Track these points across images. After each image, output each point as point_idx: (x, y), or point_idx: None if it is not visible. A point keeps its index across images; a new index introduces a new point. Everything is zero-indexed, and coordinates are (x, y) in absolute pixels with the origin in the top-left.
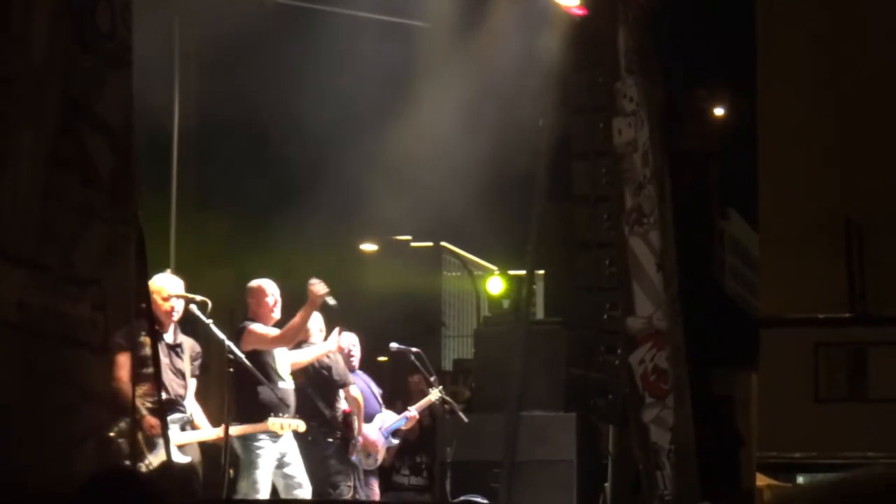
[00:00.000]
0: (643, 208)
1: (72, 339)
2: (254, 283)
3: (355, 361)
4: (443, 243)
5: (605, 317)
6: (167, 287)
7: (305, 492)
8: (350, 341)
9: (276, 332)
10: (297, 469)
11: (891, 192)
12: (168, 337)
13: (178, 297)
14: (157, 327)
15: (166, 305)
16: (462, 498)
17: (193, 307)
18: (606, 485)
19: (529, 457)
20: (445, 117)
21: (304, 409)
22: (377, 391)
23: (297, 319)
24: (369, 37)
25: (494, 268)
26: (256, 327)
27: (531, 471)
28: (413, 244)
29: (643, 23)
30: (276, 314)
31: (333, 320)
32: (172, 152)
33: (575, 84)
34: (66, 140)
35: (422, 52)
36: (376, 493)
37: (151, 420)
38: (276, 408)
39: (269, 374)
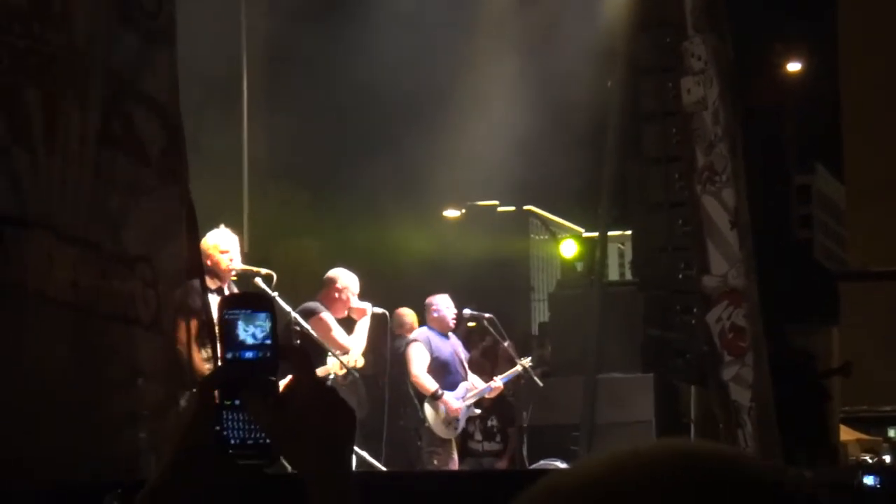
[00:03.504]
0: (715, 167)
1: (123, 316)
2: (330, 273)
3: (450, 323)
4: (528, 207)
5: (680, 276)
6: (222, 242)
7: None
8: (443, 303)
9: (341, 336)
10: None
11: None
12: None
13: (243, 270)
14: (218, 284)
15: (224, 260)
16: (542, 462)
17: (259, 280)
18: None
19: (608, 419)
20: (517, 81)
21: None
22: (464, 356)
23: (361, 342)
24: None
25: (581, 230)
26: (327, 318)
27: (610, 433)
28: (499, 209)
29: None
30: (354, 303)
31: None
32: (243, 122)
33: (642, 44)
34: (114, 118)
35: (491, 17)
36: (455, 460)
37: None
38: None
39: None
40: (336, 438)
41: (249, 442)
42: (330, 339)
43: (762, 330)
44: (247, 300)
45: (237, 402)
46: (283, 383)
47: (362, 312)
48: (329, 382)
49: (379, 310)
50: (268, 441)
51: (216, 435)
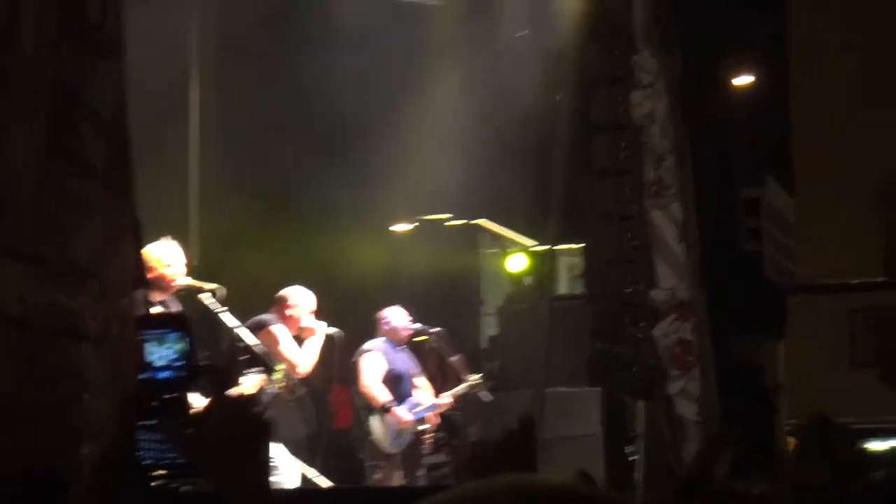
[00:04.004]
0: (664, 181)
1: (72, 332)
2: (282, 291)
3: (402, 335)
4: (478, 221)
5: (629, 290)
6: (165, 255)
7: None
8: (394, 316)
9: (288, 350)
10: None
11: None
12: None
13: (188, 286)
14: (162, 297)
15: (167, 273)
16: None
17: (205, 295)
18: (635, 459)
19: (555, 433)
20: (464, 94)
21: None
22: (415, 371)
23: (310, 357)
24: (386, 17)
25: (531, 243)
26: (276, 330)
27: (557, 447)
28: (449, 223)
29: None
30: (306, 322)
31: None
32: (192, 135)
33: (591, 57)
34: (60, 131)
35: (439, 31)
36: (399, 475)
37: None
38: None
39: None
40: (252, 454)
41: (164, 462)
42: (277, 353)
43: (710, 343)
44: (160, 321)
45: (152, 422)
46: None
47: (311, 331)
48: (271, 397)
49: (332, 329)
50: (182, 461)
51: (132, 456)
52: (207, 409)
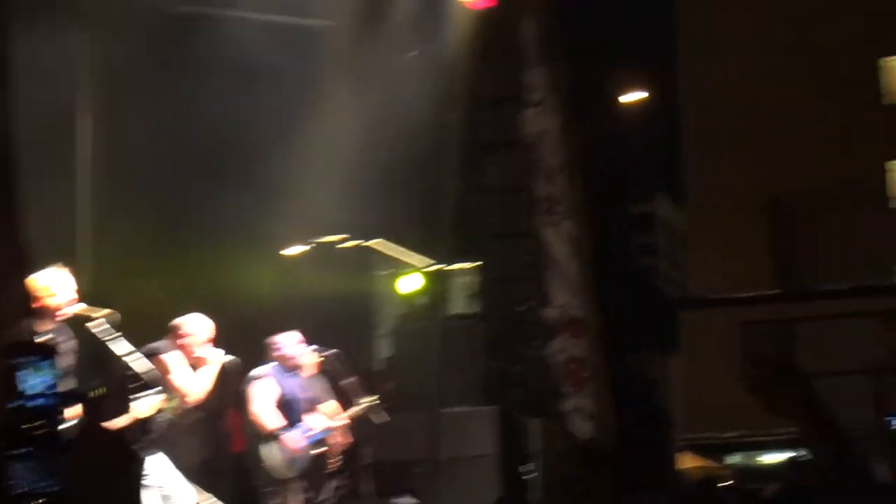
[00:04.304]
0: (555, 198)
1: None
2: (176, 320)
3: (294, 361)
4: (372, 242)
5: (522, 308)
6: (52, 284)
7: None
8: (286, 341)
9: (179, 379)
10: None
11: (815, 168)
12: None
13: (78, 314)
14: (49, 326)
15: (54, 302)
16: (392, 500)
17: (94, 323)
18: (531, 477)
19: (451, 453)
20: (356, 115)
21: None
22: (310, 394)
23: (202, 386)
24: (274, 39)
25: (424, 263)
26: (167, 359)
27: (453, 468)
28: (342, 245)
29: (551, 12)
30: (200, 351)
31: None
32: (80, 163)
33: (482, 75)
34: None
35: (329, 52)
36: (298, 500)
37: None
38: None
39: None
40: (124, 480)
41: (38, 490)
42: (167, 382)
43: (604, 360)
44: (29, 349)
45: (25, 450)
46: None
47: (202, 361)
48: (165, 423)
49: (229, 357)
50: (56, 488)
51: (4, 485)
52: (80, 436)
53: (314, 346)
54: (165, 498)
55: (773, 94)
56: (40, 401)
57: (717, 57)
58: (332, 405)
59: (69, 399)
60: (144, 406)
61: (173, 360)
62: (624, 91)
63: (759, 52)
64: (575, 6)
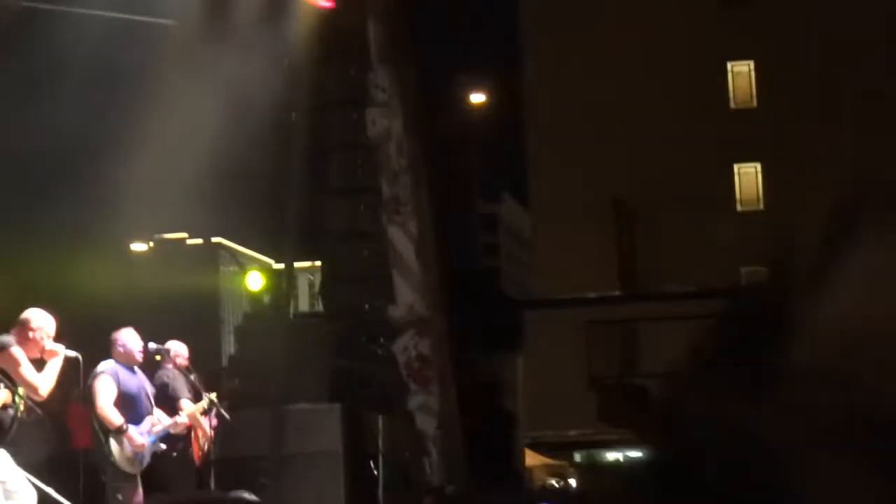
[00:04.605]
0: (400, 197)
1: None
2: (25, 313)
3: (137, 357)
4: (218, 239)
5: (367, 307)
6: None
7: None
8: (127, 337)
9: (29, 373)
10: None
11: (658, 172)
12: None
13: None
14: None
15: None
16: (231, 495)
17: None
18: (376, 475)
19: (296, 450)
20: (200, 116)
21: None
22: (150, 391)
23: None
24: (119, 36)
25: (271, 261)
26: (17, 353)
27: (296, 464)
28: (188, 242)
29: (394, 13)
30: (48, 345)
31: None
32: None
33: (325, 77)
34: None
35: (175, 49)
36: (140, 495)
37: None
38: None
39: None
40: None
41: None
42: (17, 375)
43: (449, 359)
44: None
45: None
46: None
47: (53, 354)
48: (11, 418)
49: (72, 353)
50: None
51: None
52: None
53: (154, 343)
54: (7, 493)
55: (619, 96)
56: None
57: (561, 58)
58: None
59: None
60: None
61: (21, 355)
62: (470, 92)
63: (606, 54)
64: (418, 9)
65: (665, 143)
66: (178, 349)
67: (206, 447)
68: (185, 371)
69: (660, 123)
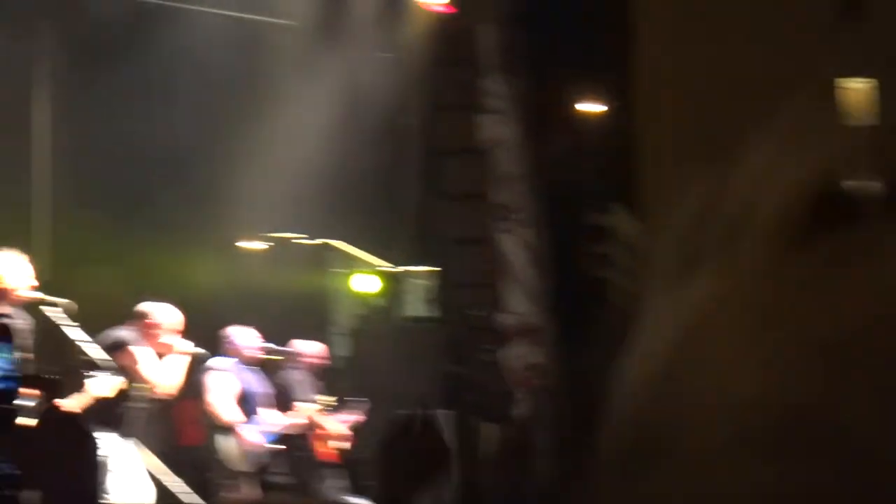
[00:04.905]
0: (512, 205)
1: None
2: (142, 306)
3: (246, 354)
4: (330, 240)
5: (478, 313)
6: (5, 268)
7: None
8: (239, 335)
9: (147, 370)
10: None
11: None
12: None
13: (36, 300)
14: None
15: (8, 286)
16: (342, 498)
17: (49, 309)
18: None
19: None
20: (316, 117)
21: None
22: (265, 390)
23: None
24: (237, 35)
25: (383, 264)
26: (137, 351)
27: None
28: (301, 242)
29: (510, 19)
30: (167, 339)
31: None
32: (33, 148)
33: (440, 81)
34: None
35: (290, 50)
36: (250, 494)
37: None
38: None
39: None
40: (84, 468)
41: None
42: (136, 372)
43: (558, 368)
44: None
45: None
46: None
47: (169, 350)
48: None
49: (200, 350)
50: (12, 470)
51: None
52: (41, 420)
53: (270, 343)
54: (127, 484)
55: (732, 111)
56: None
57: (675, 71)
58: (306, 404)
59: (28, 382)
60: (100, 385)
61: (141, 351)
62: (582, 101)
63: (720, 68)
64: (535, 17)
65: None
66: (306, 349)
67: (338, 447)
68: (313, 372)
69: (772, 140)
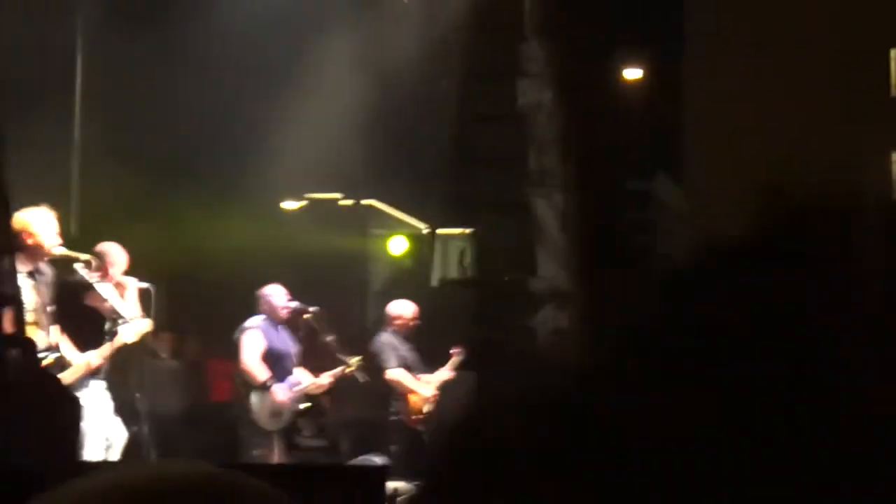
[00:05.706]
0: (547, 170)
1: None
2: (98, 247)
3: (281, 313)
4: (369, 201)
5: (511, 277)
6: (34, 223)
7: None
8: (274, 294)
9: (124, 308)
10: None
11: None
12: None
13: (62, 255)
14: (31, 265)
15: (35, 240)
16: (360, 458)
17: (79, 266)
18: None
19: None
20: (353, 79)
21: None
22: (294, 350)
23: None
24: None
25: (421, 226)
26: (102, 290)
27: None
28: (339, 202)
29: None
30: (121, 278)
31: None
32: (75, 105)
33: (477, 47)
34: None
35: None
36: (277, 453)
37: None
38: None
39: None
40: (61, 429)
41: None
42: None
43: (587, 335)
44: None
45: None
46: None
47: (123, 288)
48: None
49: (144, 284)
50: None
51: None
52: (16, 380)
53: (297, 302)
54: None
55: (776, 79)
56: None
57: (722, 38)
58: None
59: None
60: (129, 332)
61: (104, 288)
62: (624, 67)
63: (766, 37)
64: None
65: (821, 128)
66: (398, 310)
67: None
68: (404, 334)
69: (817, 109)
